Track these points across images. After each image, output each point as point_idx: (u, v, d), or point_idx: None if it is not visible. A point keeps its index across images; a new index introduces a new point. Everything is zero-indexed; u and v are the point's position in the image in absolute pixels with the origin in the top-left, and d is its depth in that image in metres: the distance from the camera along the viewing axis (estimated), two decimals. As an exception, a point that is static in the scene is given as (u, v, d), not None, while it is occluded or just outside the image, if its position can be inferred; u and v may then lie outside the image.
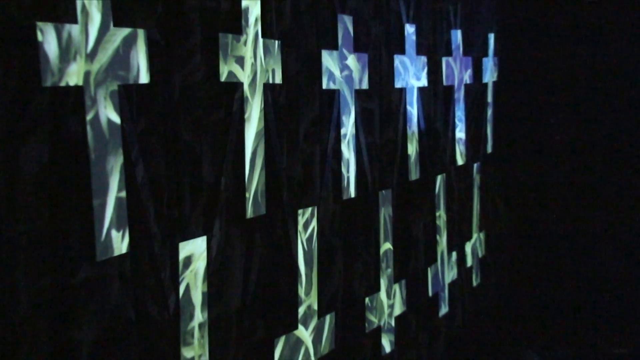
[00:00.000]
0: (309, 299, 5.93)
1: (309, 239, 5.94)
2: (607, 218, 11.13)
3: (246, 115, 5.16)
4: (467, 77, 9.04)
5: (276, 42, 5.44)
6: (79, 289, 3.89)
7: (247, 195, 5.19)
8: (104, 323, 4.04)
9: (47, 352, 3.70)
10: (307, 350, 5.92)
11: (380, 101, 6.98)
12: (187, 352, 4.65)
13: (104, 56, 4.00)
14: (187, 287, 4.65)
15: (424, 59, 7.81)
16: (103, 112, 3.98)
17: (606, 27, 11.08)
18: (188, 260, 4.66)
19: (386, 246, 7.15)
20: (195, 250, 4.72)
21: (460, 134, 8.87)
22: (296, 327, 5.79)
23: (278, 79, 5.47)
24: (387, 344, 7.20)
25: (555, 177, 11.24)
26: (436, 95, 8.18)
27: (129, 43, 4.14)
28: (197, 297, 4.74)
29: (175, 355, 4.57)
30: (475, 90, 9.33)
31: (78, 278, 3.88)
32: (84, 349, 3.89)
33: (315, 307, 6.05)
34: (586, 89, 11.27)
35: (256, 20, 5.18)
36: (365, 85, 6.69)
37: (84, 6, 3.84)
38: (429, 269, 8.08)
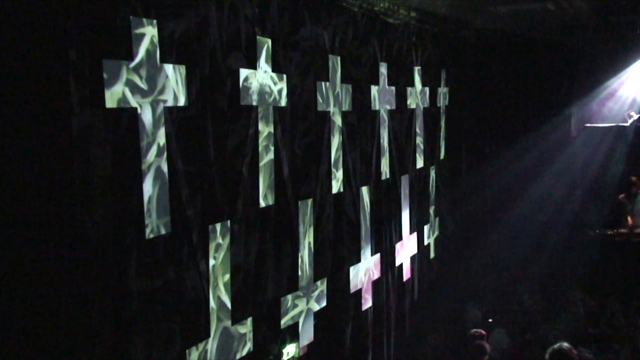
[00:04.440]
0: (304, 265, 5.88)
1: (307, 223, 5.88)
2: (522, 203, 11.20)
3: (259, 128, 5.11)
4: (425, 102, 8.98)
5: (284, 75, 5.39)
6: (133, 256, 3.84)
7: (260, 190, 5.14)
8: (152, 279, 4.01)
9: (113, 294, 3.67)
10: (304, 306, 5.87)
11: (360, 119, 6.93)
12: (214, 303, 4.60)
13: (153, 83, 3.96)
14: (215, 257, 4.60)
15: (393, 88, 7.77)
16: (156, 135, 3.93)
17: (524, 68, 11.18)
18: (216, 237, 4.60)
19: (365, 229, 7.10)
20: (222, 230, 4.67)
21: (420, 145, 8.82)
22: (297, 289, 5.74)
23: (283, 102, 5.43)
24: (366, 302, 7.14)
25: (488, 177, 11.23)
26: (402, 116, 8.13)
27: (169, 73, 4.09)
28: (223, 266, 4.68)
29: (205, 305, 4.55)
30: (431, 112, 9.28)
31: (132, 250, 3.84)
32: (137, 295, 3.84)
33: (312, 274, 5.99)
34: (511, 111, 11.31)
35: (266, 56, 5.13)
36: (349, 107, 6.64)
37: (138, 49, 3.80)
38: (396, 245, 8.03)
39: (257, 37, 4.99)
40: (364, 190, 7.08)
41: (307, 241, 5.87)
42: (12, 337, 3.12)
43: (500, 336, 7.84)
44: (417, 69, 8.58)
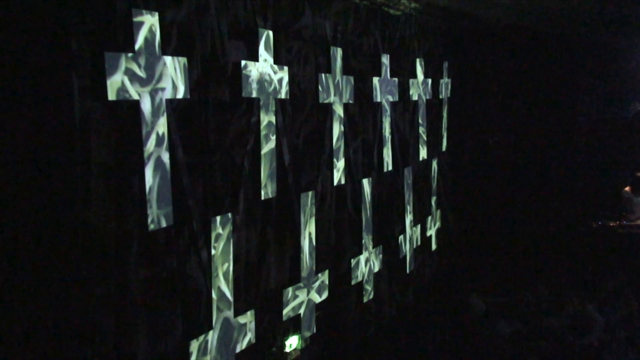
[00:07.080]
0: (304, 256, 5.88)
1: (308, 214, 5.88)
2: (525, 195, 11.18)
3: (261, 120, 5.10)
4: (427, 93, 8.96)
5: (284, 64, 5.37)
6: (134, 247, 3.84)
7: (262, 182, 5.14)
8: (154, 270, 4.01)
9: (116, 284, 3.68)
10: (306, 297, 5.87)
11: (362, 111, 6.91)
12: (215, 294, 4.61)
13: (153, 74, 3.95)
14: (215, 247, 4.60)
15: (395, 79, 7.74)
16: (156, 124, 3.92)
17: (526, 59, 11.16)
18: (217, 228, 4.60)
19: (367, 220, 7.09)
20: (224, 222, 4.66)
21: (422, 136, 8.80)
22: (299, 281, 5.74)
23: (284, 92, 5.41)
24: (367, 294, 7.14)
25: (491, 168, 11.23)
26: (405, 108, 8.11)
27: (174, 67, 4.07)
28: (224, 257, 4.68)
29: (208, 294, 4.55)
30: (434, 103, 9.26)
31: (135, 242, 3.84)
32: (137, 285, 3.85)
33: (314, 266, 5.99)
34: (514, 103, 11.32)
35: (266, 46, 5.11)
36: (350, 99, 6.62)
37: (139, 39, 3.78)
38: (400, 237, 8.03)
39: (258, 26, 4.98)
40: (366, 181, 7.08)
41: (307, 232, 5.87)
42: (12, 327, 3.11)
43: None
44: (419, 60, 8.55)
